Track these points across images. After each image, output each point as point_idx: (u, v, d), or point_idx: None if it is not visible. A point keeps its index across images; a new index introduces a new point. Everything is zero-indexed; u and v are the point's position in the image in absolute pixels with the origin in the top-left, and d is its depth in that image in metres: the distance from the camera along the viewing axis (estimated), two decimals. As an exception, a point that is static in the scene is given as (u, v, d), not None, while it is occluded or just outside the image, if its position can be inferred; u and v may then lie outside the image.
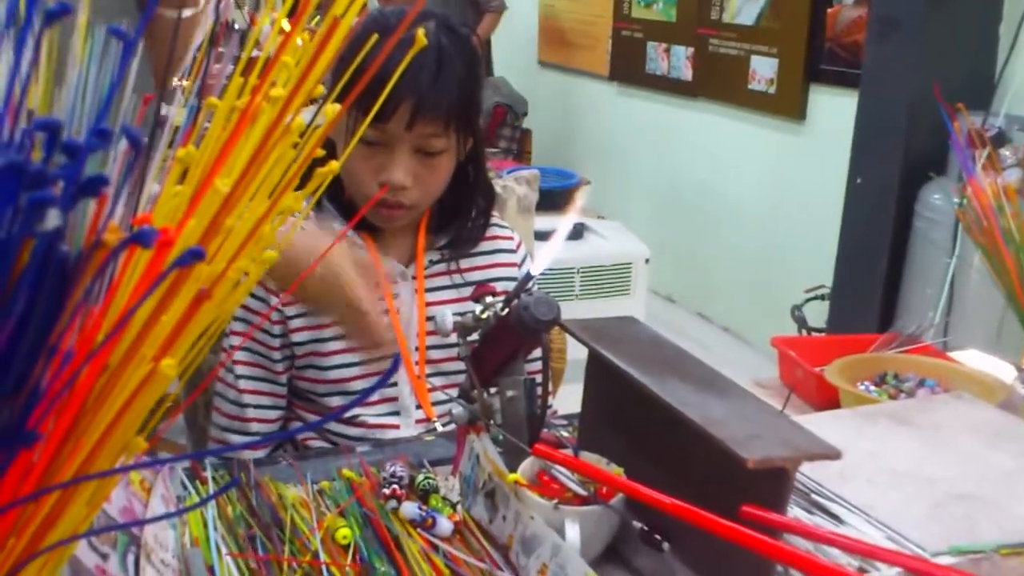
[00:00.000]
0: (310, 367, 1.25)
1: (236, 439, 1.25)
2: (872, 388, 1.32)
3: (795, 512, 0.92)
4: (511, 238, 1.38)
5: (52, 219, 0.35)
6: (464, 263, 1.33)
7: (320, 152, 0.48)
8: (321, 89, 0.47)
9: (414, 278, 1.29)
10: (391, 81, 0.63)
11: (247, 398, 1.24)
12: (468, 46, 1.21)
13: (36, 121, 0.34)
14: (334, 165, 0.46)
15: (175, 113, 0.48)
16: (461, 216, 1.31)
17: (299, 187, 0.48)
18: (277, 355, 1.24)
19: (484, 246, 1.35)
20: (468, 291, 1.30)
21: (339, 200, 1.27)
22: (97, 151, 0.35)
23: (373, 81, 0.52)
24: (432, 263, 1.31)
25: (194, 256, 0.38)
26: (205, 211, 0.44)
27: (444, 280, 1.31)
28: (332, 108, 0.46)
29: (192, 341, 0.45)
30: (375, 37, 0.58)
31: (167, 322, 0.43)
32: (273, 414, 1.26)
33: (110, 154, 0.43)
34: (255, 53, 0.50)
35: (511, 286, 1.36)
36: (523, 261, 1.38)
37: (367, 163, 1.19)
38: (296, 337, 1.24)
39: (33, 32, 0.37)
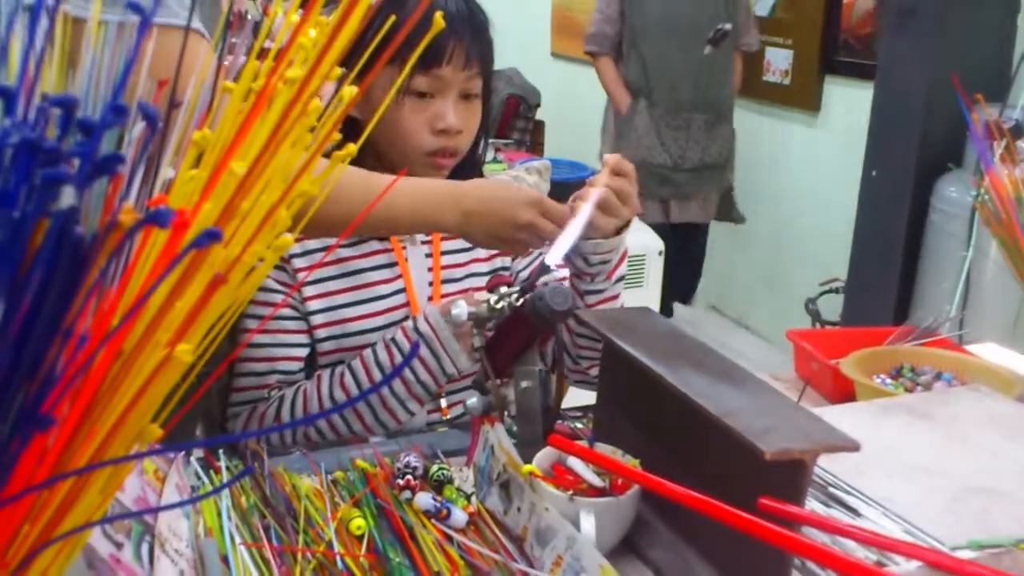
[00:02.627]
0: (329, 338, 1.25)
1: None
2: (888, 381, 1.31)
3: (812, 505, 0.92)
4: None
5: (67, 198, 0.34)
6: None
7: (337, 136, 0.47)
8: (338, 72, 0.46)
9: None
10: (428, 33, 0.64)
11: (265, 352, 1.24)
12: None
13: (52, 98, 0.33)
14: (351, 148, 0.46)
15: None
16: (472, 167, 1.35)
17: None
18: (292, 324, 1.25)
19: None
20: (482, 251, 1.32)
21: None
22: (113, 128, 0.35)
23: (424, 31, 0.54)
24: None
25: (211, 237, 0.37)
26: (221, 194, 0.43)
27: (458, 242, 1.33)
28: (350, 91, 0.45)
29: (207, 326, 0.45)
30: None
31: (182, 307, 0.42)
32: (298, 352, 1.26)
33: (125, 137, 0.43)
34: (268, 44, 0.49)
35: None
36: None
37: (420, 116, 1.23)
38: (312, 305, 1.24)
39: (46, 9, 0.37)
